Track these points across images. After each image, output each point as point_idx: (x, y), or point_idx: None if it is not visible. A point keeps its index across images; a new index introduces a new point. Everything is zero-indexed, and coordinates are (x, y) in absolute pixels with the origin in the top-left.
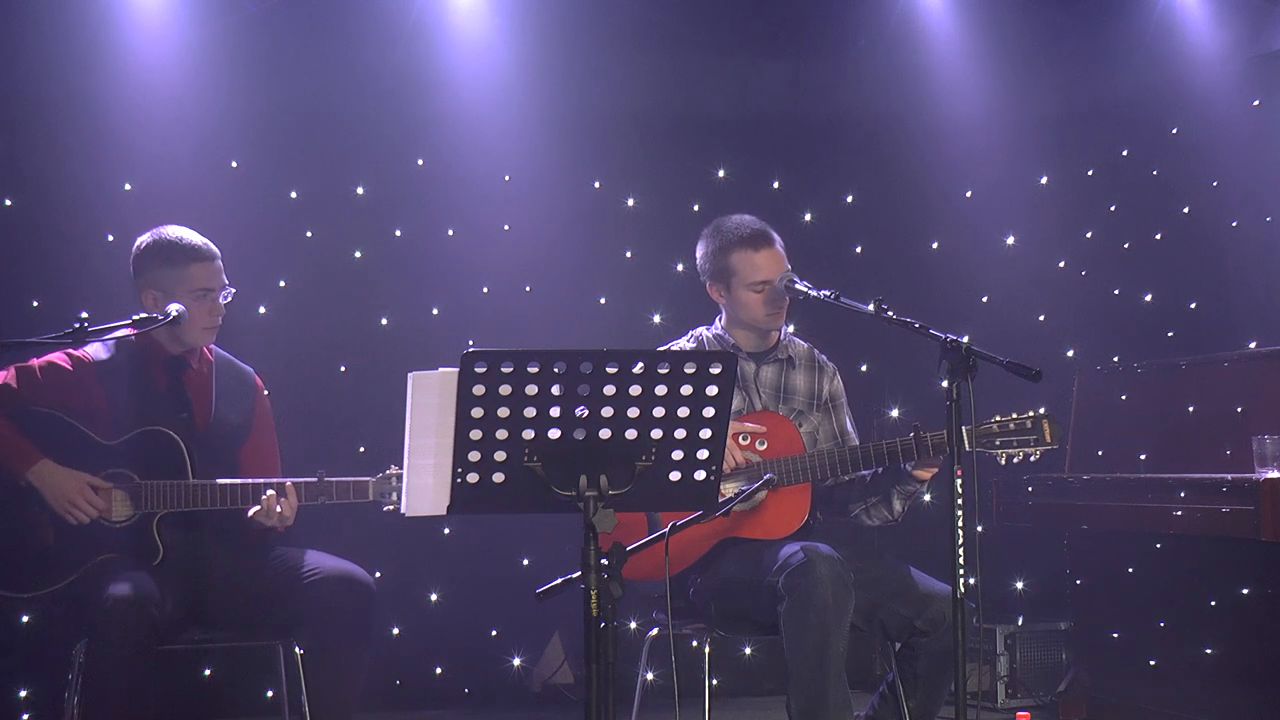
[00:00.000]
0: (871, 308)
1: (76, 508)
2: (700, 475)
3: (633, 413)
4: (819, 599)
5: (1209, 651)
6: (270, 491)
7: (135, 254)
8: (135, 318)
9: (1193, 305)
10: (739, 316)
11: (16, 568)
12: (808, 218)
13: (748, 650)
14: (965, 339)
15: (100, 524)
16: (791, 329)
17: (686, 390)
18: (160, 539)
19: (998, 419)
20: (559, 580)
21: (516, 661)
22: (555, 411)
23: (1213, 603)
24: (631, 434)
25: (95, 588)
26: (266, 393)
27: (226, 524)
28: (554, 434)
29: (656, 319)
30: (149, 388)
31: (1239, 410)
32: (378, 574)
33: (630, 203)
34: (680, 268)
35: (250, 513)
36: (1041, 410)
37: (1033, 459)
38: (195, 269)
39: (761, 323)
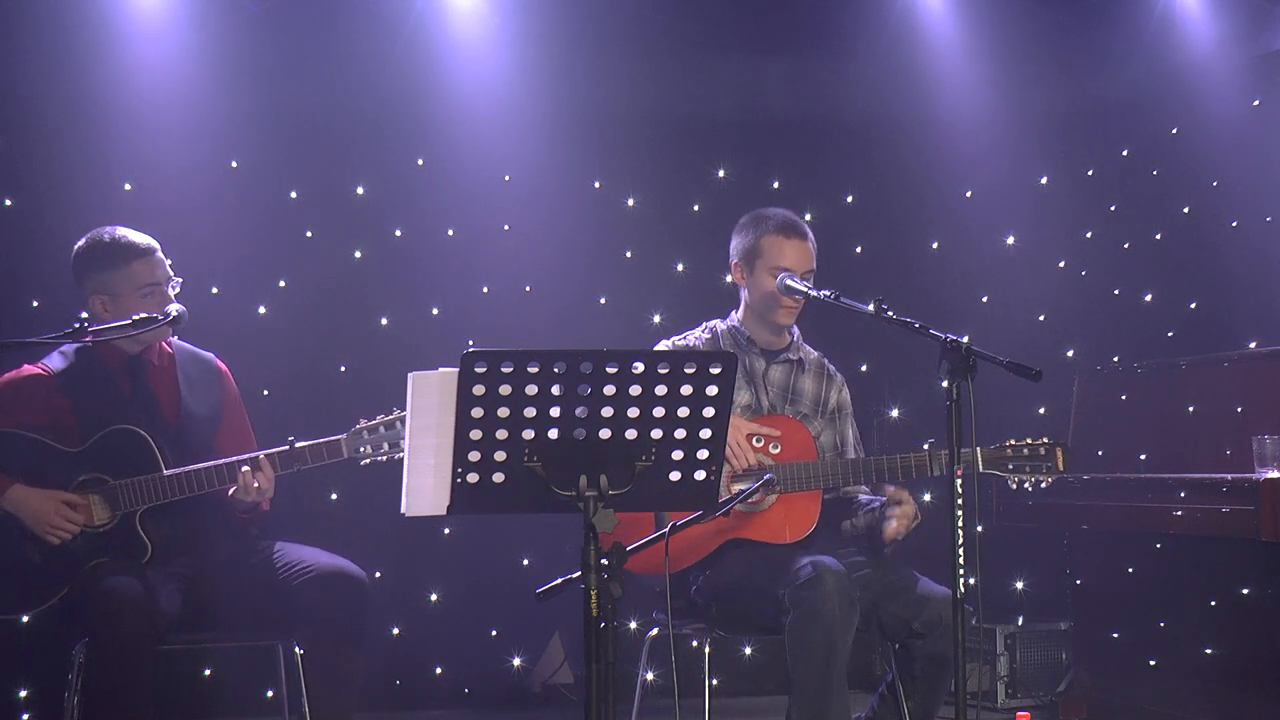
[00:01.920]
0: (871, 308)
1: (56, 528)
2: (700, 475)
3: (633, 413)
4: (825, 614)
5: (1209, 651)
6: (245, 468)
7: (74, 260)
8: (135, 317)
9: (1193, 305)
10: (755, 304)
11: (10, 589)
12: (808, 218)
13: (748, 650)
14: (965, 339)
15: (84, 532)
16: (798, 331)
17: (686, 390)
18: (146, 535)
19: (1011, 443)
20: (559, 580)
21: (516, 661)
22: (555, 411)
23: (1213, 603)
24: (631, 434)
25: (92, 590)
26: (231, 376)
27: (210, 511)
28: (554, 434)
29: (656, 319)
30: (114, 391)
31: (1239, 410)
32: (378, 574)
33: (630, 203)
34: (680, 268)
35: (230, 492)
36: (1058, 440)
37: (1043, 485)
38: (138, 266)
39: (774, 314)
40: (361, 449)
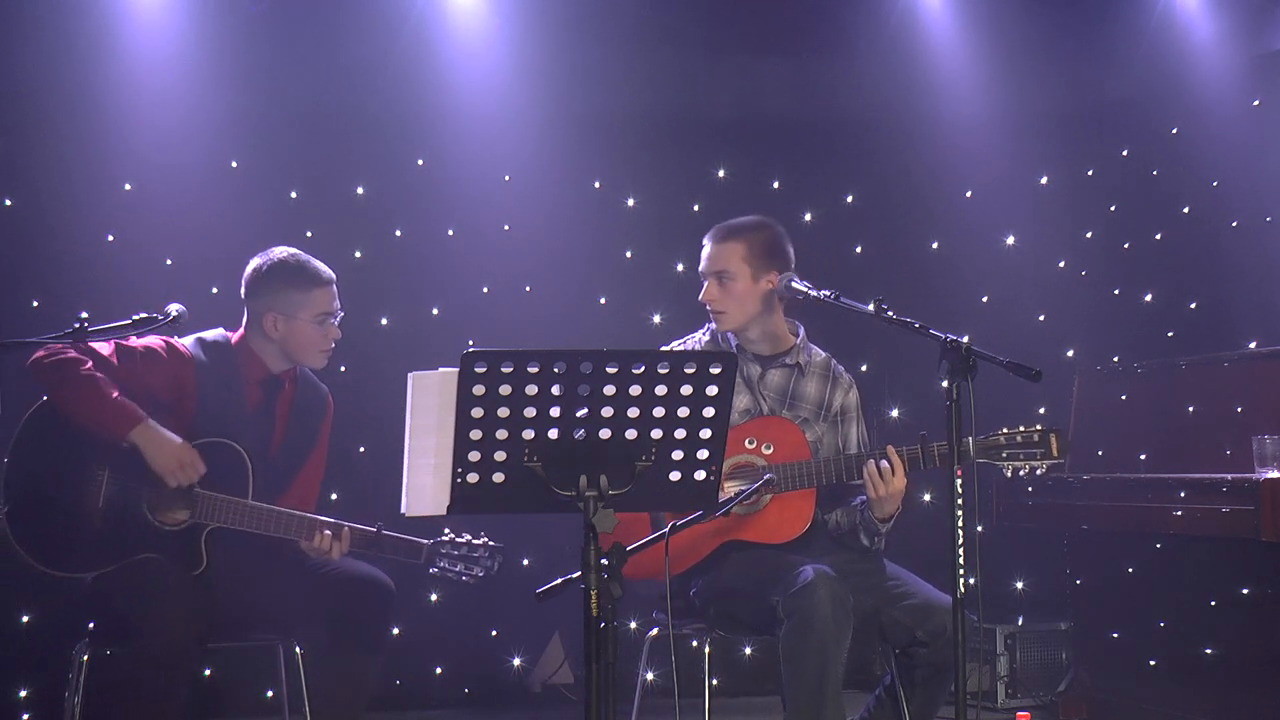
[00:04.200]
0: (871, 308)
1: (178, 471)
2: (700, 475)
3: (633, 413)
4: (819, 622)
5: (1209, 651)
6: (327, 531)
7: (254, 275)
8: (135, 317)
9: (1193, 305)
10: None
11: (58, 544)
12: (808, 218)
13: (748, 650)
14: (965, 339)
15: (150, 524)
16: (803, 333)
17: (686, 390)
18: (206, 551)
19: (1005, 431)
20: (559, 580)
21: (516, 661)
22: (555, 411)
23: (1213, 603)
24: (631, 434)
25: (138, 593)
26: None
27: (272, 544)
28: (554, 434)
29: (656, 319)
30: (239, 401)
31: (1239, 410)
32: (378, 560)
33: (630, 203)
34: (680, 268)
35: (300, 542)
36: (1052, 427)
37: (1039, 472)
38: (318, 293)
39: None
40: (438, 560)
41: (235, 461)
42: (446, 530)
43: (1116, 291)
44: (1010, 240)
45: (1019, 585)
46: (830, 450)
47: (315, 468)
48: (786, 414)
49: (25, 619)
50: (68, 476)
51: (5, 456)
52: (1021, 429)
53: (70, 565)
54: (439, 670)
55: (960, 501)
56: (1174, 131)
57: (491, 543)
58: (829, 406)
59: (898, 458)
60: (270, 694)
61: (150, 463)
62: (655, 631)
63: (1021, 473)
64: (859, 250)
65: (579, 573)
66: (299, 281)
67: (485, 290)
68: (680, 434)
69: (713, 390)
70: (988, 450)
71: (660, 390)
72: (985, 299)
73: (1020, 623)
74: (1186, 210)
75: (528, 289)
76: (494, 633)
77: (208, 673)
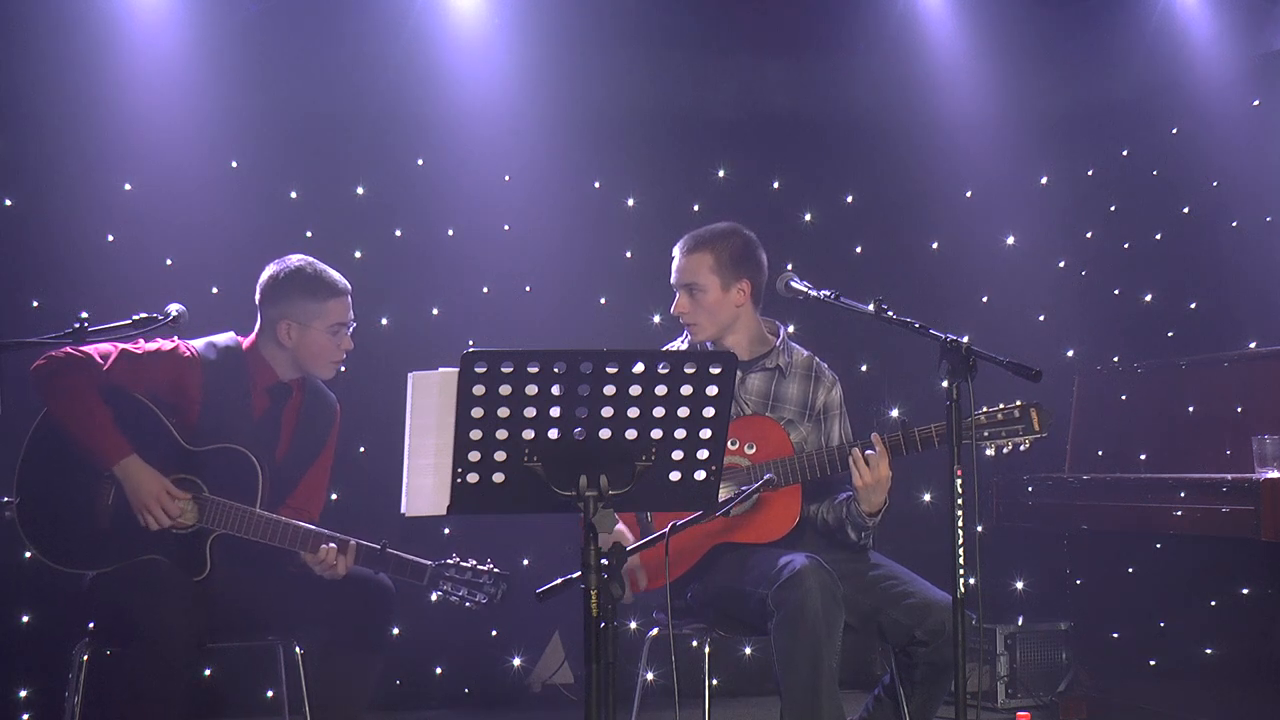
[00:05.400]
0: (871, 308)
1: (152, 511)
2: (700, 475)
3: (633, 413)
4: (809, 612)
5: (1209, 651)
6: (333, 545)
7: (270, 283)
8: (135, 317)
9: (1193, 305)
10: None
11: (65, 538)
12: (808, 218)
13: (748, 650)
14: (965, 339)
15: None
16: (791, 329)
17: (686, 390)
18: (210, 557)
19: (985, 410)
20: (559, 580)
21: (516, 661)
22: (555, 411)
23: (1213, 603)
24: (631, 434)
25: (139, 593)
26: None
27: (275, 549)
28: (554, 434)
29: (656, 319)
30: (245, 407)
31: (1239, 410)
32: (379, 573)
33: (630, 203)
34: None
35: (304, 556)
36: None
37: (1023, 449)
38: (334, 304)
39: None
40: (441, 583)
41: (247, 469)
42: (453, 554)
43: (1116, 291)
44: (1010, 240)
45: (1019, 585)
46: (813, 448)
47: (320, 475)
48: (769, 416)
49: (25, 619)
50: (81, 473)
51: (19, 451)
52: (1001, 406)
53: (74, 561)
54: (439, 670)
55: (960, 501)
56: (1174, 131)
57: (497, 570)
58: (812, 406)
59: (882, 443)
60: (270, 694)
61: (129, 497)
62: (655, 631)
63: (1005, 450)
64: (859, 250)
65: (579, 573)
66: (316, 291)
67: (485, 290)
68: (680, 434)
69: (713, 390)
70: (966, 432)
71: (660, 390)
72: (985, 299)
73: (1020, 623)
74: (1186, 210)
75: (528, 289)
76: (494, 633)
77: (208, 673)
